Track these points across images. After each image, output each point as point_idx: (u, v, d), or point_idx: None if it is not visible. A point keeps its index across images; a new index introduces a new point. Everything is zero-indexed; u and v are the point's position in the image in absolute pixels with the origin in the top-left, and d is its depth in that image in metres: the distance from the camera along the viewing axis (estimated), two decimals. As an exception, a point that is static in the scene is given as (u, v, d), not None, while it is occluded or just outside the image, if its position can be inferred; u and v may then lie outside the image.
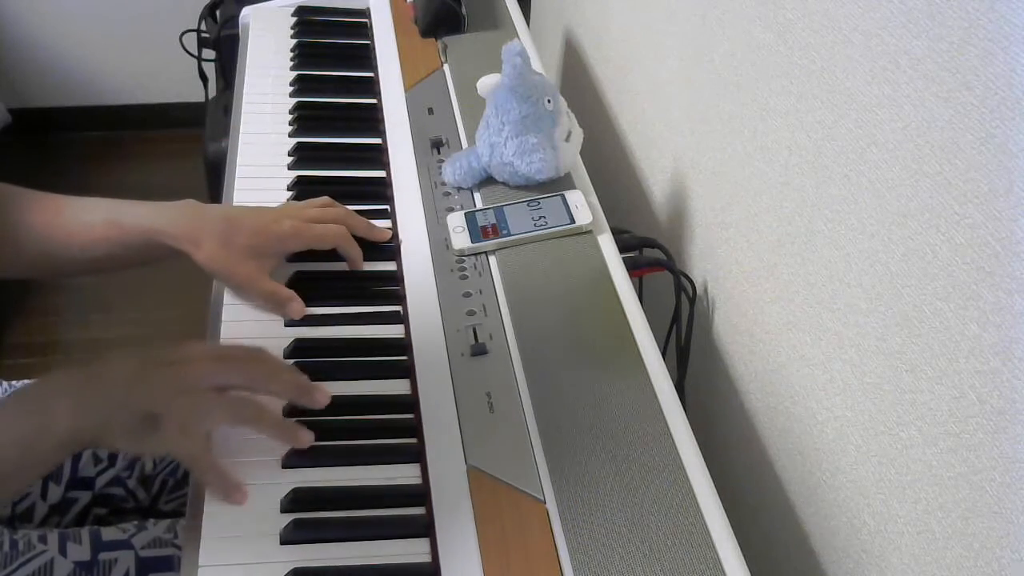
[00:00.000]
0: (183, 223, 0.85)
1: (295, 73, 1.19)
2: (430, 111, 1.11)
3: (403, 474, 0.73)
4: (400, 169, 1.03)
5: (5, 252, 0.85)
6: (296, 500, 0.70)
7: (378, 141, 1.09)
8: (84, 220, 0.86)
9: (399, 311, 0.87)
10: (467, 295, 0.86)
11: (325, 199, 0.93)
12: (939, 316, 0.63)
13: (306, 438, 0.73)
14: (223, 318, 0.86)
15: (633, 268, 0.95)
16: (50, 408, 0.67)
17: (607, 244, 0.92)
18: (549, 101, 0.93)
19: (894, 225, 0.67)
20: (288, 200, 0.98)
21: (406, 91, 1.15)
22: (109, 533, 0.88)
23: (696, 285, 1.06)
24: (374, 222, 0.94)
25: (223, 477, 0.70)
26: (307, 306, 0.86)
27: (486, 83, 0.98)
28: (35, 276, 0.84)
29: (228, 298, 0.88)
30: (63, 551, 0.85)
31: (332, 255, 0.91)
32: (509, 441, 0.73)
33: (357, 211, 0.94)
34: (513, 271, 0.88)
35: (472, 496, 0.70)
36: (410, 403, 0.78)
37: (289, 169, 1.04)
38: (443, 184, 0.99)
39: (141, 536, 0.88)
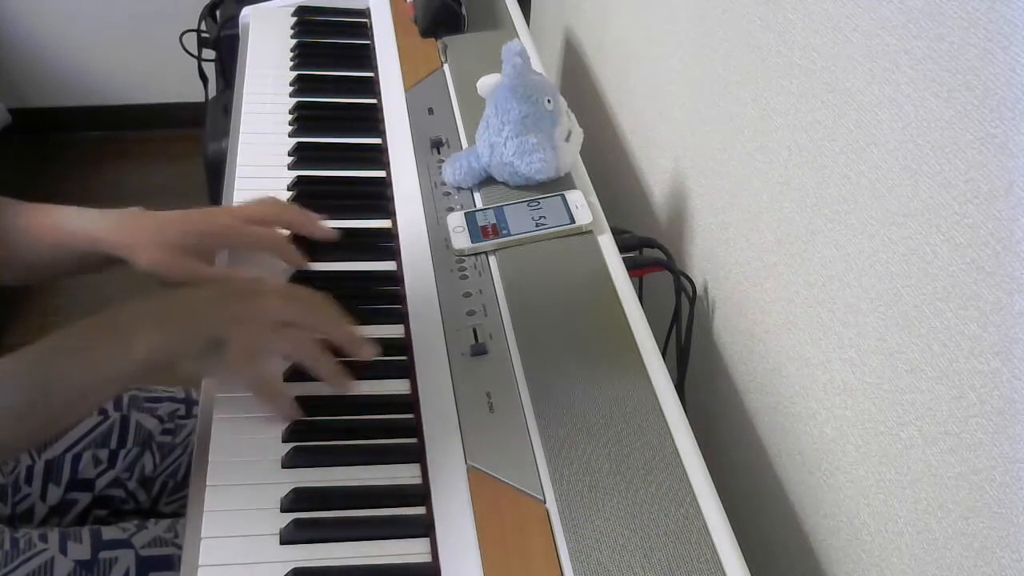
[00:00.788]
0: (119, 230, 0.87)
1: (295, 73, 1.19)
2: (430, 111, 1.11)
3: (403, 474, 0.73)
4: (400, 169, 1.03)
5: None
6: (296, 500, 0.70)
7: (378, 141, 1.09)
8: (32, 224, 0.87)
9: (399, 311, 0.87)
10: (467, 295, 0.86)
11: (269, 197, 0.93)
12: (939, 316, 0.63)
13: (350, 383, 0.77)
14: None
15: (633, 268, 0.95)
16: (131, 330, 0.70)
17: (607, 244, 0.92)
18: (549, 101, 0.93)
19: (894, 225, 0.67)
20: (288, 200, 0.98)
21: (406, 91, 1.15)
22: (109, 532, 0.88)
23: (696, 285, 1.06)
24: (373, 222, 0.94)
25: (281, 402, 0.75)
26: None
27: (486, 83, 0.98)
28: None
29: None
30: (63, 550, 0.85)
31: (332, 255, 0.91)
32: (509, 441, 0.73)
33: (357, 211, 0.94)
34: (513, 271, 0.88)
35: (472, 496, 0.70)
36: (410, 403, 0.78)
37: (289, 169, 1.04)
38: (443, 184, 0.99)
39: (141, 535, 0.88)
